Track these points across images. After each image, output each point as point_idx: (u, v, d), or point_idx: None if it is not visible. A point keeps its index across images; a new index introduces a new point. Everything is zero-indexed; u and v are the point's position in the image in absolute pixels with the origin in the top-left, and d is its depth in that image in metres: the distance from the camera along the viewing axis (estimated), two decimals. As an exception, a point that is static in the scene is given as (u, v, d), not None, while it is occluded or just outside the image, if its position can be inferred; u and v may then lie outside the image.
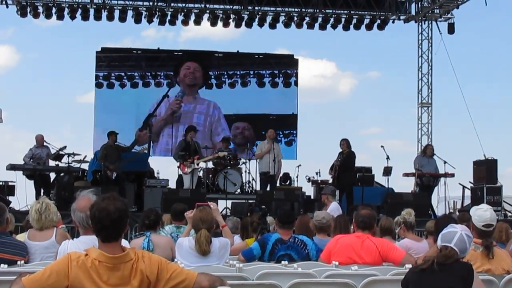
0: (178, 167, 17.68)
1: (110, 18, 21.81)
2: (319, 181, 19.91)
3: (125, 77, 22.67)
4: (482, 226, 6.06)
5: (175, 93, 22.80)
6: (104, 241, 4.19)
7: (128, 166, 17.25)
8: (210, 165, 18.55)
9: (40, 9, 21.49)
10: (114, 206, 4.19)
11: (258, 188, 18.49)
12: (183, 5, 22.11)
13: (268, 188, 17.92)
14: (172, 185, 18.08)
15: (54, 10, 21.46)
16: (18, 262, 6.23)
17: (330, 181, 17.85)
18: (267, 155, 17.75)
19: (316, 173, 20.01)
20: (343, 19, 22.82)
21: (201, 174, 18.42)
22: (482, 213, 6.13)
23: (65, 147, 17.29)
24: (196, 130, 18.71)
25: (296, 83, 23.48)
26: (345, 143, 17.13)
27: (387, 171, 17.94)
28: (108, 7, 21.68)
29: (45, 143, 17.46)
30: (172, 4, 22.04)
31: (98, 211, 4.20)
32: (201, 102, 23.02)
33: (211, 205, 7.69)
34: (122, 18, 21.87)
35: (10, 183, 17.07)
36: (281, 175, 18.92)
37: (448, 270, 4.89)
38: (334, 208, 12.62)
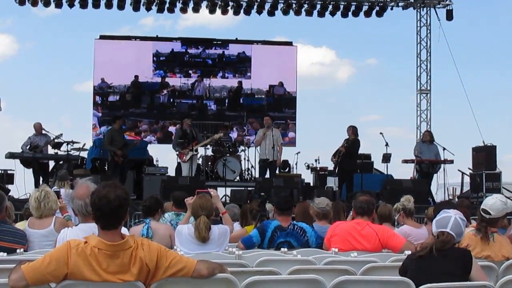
0: (177, 155, 17.68)
1: (109, 6, 21.74)
2: (318, 168, 19.95)
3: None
4: (481, 210, 6.09)
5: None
6: (103, 228, 4.20)
7: (128, 154, 17.21)
8: (209, 152, 18.54)
9: (39, -3, 21.42)
10: (115, 193, 4.19)
11: (257, 175, 18.47)
12: (182, -8, 22.06)
13: (267, 175, 17.83)
14: (171, 172, 18.08)
15: (52, -2, 21.41)
16: (17, 250, 6.24)
17: (332, 166, 17.83)
18: (264, 141, 17.59)
19: (315, 160, 20.07)
20: (341, 6, 22.74)
21: (200, 161, 18.42)
22: (489, 199, 6.18)
23: (61, 134, 17.25)
24: (191, 117, 18.65)
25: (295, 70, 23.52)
26: (351, 129, 17.01)
27: (386, 158, 17.93)
28: (106, -6, 21.61)
29: (44, 131, 17.40)
30: (171, -9, 21.98)
31: (99, 198, 4.20)
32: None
33: (212, 192, 7.70)
34: (121, 6, 21.80)
35: (9, 172, 17.07)
36: (280, 157, 18.59)
37: (446, 256, 4.90)
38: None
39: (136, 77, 22.60)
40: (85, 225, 5.17)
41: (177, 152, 17.49)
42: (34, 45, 31.88)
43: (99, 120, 22.48)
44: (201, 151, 18.01)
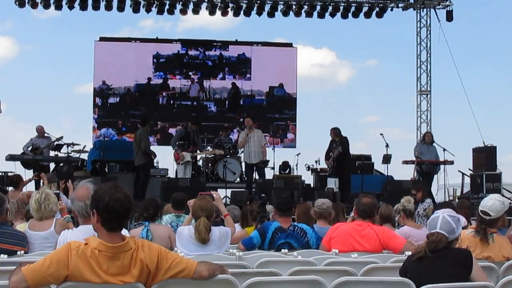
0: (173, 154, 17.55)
1: (108, 7, 21.72)
2: (319, 170, 19.93)
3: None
4: (480, 212, 6.10)
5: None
6: (110, 231, 4.17)
7: (128, 156, 17.17)
8: (210, 154, 18.53)
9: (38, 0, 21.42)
10: (124, 195, 4.20)
11: (257, 177, 18.40)
12: (182, -6, 22.06)
13: (256, 176, 17.73)
14: (172, 174, 18.07)
15: (52, 0, 21.38)
16: (18, 252, 6.23)
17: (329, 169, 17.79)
18: (247, 144, 17.46)
19: (316, 162, 20.04)
20: (341, 7, 22.75)
21: (200, 163, 18.41)
22: (486, 200, 6.17)
23: (61, 137, 17.27)
24: (200, 125, 18.55)
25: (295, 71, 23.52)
26: (333, 132, 16.98)
27: (387, 159, 17.92)
28: (106, -4, 21.61)
29: (46, 134, 17.40)
30: (171, -7, 21.98)
31: (113, 201, 4.16)
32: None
33: (214, 194, 7.70)
34: (121, 8, 21.78)
35: (9, 174, 17.05)
36: (265, 159, 18.32)
37: (446, 256, 4.89)
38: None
39: (149, 79, 22.67)
40: (85, 226, 5.16)
41: (174, 151, 17.37)
42: (34, 47, 31.87)
43: (96, 122, 22.50)
44: (198, 156, 17.97)
